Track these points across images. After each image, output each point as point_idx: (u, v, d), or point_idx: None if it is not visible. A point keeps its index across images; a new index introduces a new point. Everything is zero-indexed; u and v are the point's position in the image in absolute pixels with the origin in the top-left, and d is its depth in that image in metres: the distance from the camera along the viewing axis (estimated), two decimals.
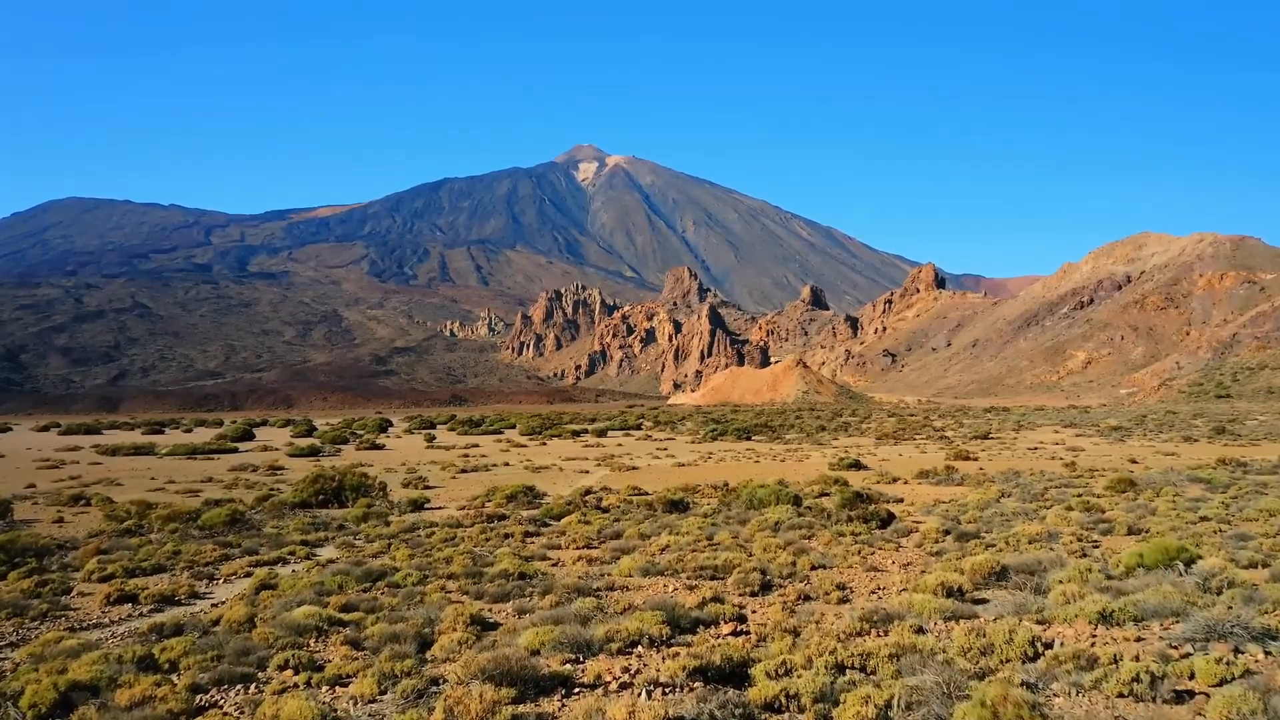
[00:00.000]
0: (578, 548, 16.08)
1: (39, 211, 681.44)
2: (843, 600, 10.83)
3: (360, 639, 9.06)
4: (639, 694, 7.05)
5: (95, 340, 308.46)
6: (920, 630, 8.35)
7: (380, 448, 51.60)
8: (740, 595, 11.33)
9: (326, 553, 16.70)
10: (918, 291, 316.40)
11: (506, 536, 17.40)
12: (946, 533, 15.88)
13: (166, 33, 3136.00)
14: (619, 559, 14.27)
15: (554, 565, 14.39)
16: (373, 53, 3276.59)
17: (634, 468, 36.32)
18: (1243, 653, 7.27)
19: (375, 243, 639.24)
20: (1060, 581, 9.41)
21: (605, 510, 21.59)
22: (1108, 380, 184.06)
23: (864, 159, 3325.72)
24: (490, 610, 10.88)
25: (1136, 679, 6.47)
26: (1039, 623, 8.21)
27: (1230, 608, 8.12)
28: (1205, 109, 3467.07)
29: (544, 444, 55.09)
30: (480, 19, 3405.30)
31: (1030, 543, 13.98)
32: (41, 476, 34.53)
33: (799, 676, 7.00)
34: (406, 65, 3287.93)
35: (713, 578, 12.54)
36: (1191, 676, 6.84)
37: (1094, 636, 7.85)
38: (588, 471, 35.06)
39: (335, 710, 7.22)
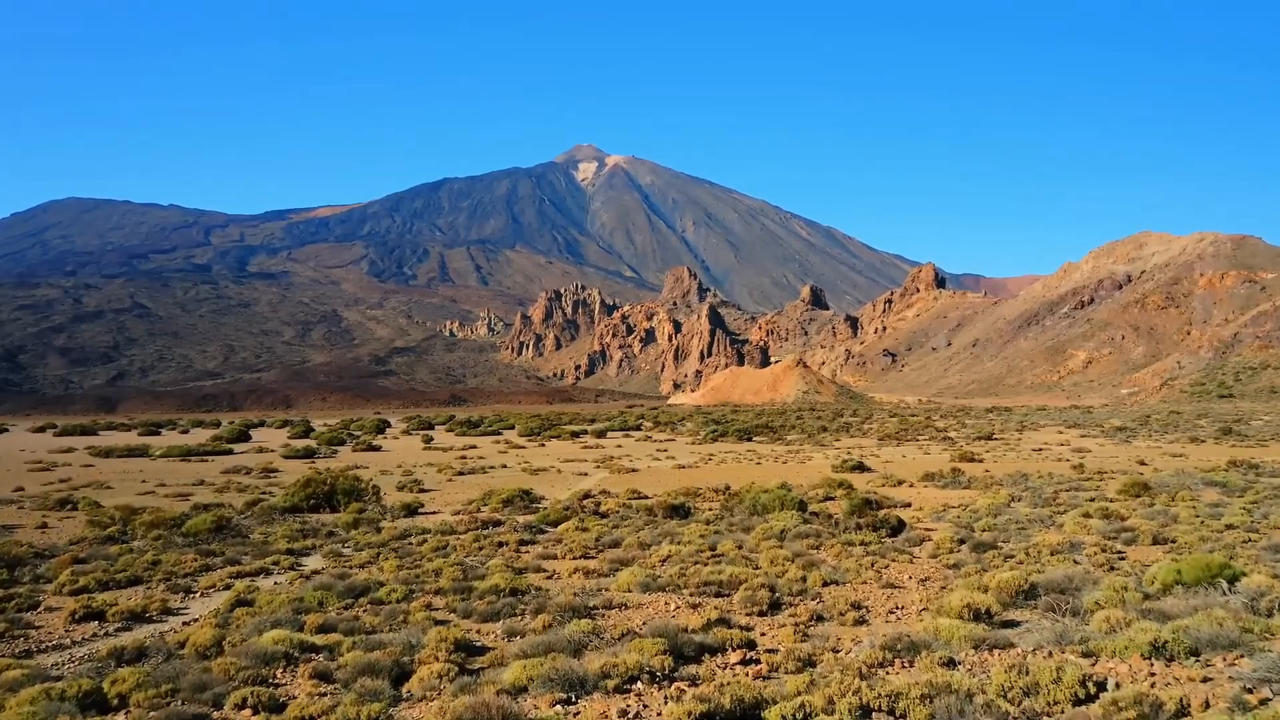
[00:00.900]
0: (574, 558, 15.35)
1: (38, 212, 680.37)
2: (859, 622, 10.09)
3: (331, 670, 8.29)
4: None
5: (94, 340, 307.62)
6: (951, 663, 7.57)
7: (377, 449, 50.94)
8: (748, 615, 10.58)
9: (312, 562, 16.00)
10: (918, 291, 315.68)
11: (500, 545, 16.68)
12: (961, 542, 15.14)
13: (166, 33, 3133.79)
14: (617, 571, 13.53)
15: (549, 578, 13.65)
16: (372, 53, 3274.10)
17: (633, 470, 35.63)
18: None
19: (375, 243, 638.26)
20: (1099, 604, 8.65)
21: (604, 516, 20.90)
22: (1108, 380, 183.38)
23: (864, 159, 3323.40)
24: (478, 632, 10.16)
25: None
26: (1085, 655, 7.36)
27: None
28: (1205, 108, 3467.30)
29: (543, 445, 54.41)
30: (480, 19, 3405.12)
31: (1052, 554, 13.25)
32: (31, 479, 33.94)
33: None
34: (406, 65, 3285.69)
35: (717, 594, 11.78)
36: None
37: (1151, 675, 7.01)
38: (586, 474, 34.38)
39: None
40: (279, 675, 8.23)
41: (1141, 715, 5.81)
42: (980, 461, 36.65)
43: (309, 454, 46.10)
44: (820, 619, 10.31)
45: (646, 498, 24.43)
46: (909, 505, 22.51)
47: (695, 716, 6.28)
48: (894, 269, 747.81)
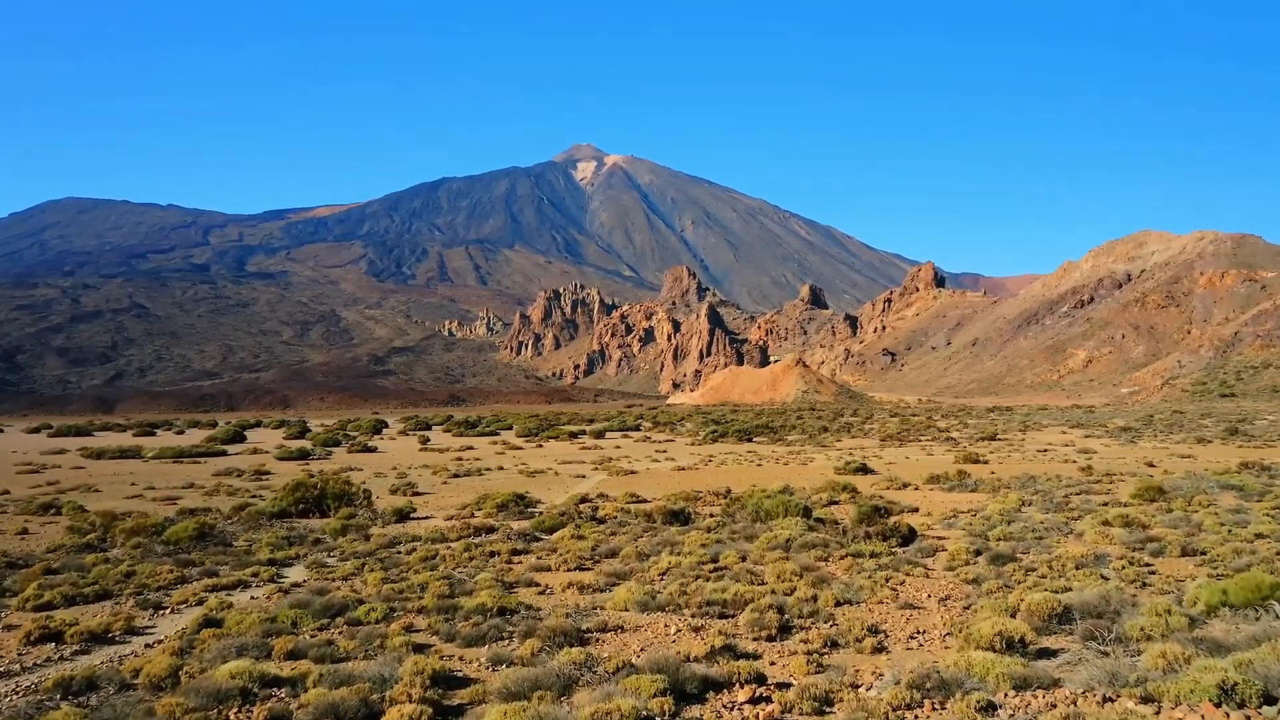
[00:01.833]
0: (569, 569, 14.56)
1: (37, 212, 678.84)
2: (878, 649, 9.28)
3: (291, 711, 7.45)
4: None
5: (92, 341, 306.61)
6: (990, 708, 6.64)
7: (372, 450, 50.23)
8: (755, 640, 9.78)
9: (295, 574, 15.24)
10: (917, 290, 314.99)
11: (492, 555, 15.90)
12: (978, 553, 14.32)
13: (165, 32, 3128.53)
14: (614, 586, 12.71)
15: (541, 593, 12.84)
16: (371, 52, 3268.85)
17: (632, 472, 34.89)
18: None
19: (373, 242, 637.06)
20: (1143, 632, 7.82)
21: (601, 521, 20.14)
22: (1109, 379, 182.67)
23: (863, 158, 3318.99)
24: (461, 659, 9.37)
25: None
26: (1144, 699, 6.40)
27: None
28: (1205, 108, 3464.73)
29: (540, 446, 53.65)
30: (479, 19, 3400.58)
31: (1077, 568, 12.46)
32: (19, 482, 33.34)
33: None
34: (405, 65, 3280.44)
35: (721, 615, 10.97)
36: None
37: None
38: (584, 476, 33.67)
39: None
40: (232, 717, 7.39)
41: None
42: (985, 463, 35.93)
43: (303, 455, 45.42)
44: (835, 645, 9.51)
45: (645, 502, 23.69)
46: (917, 510, 21.74)
47: None
48: (893, 268, 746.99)
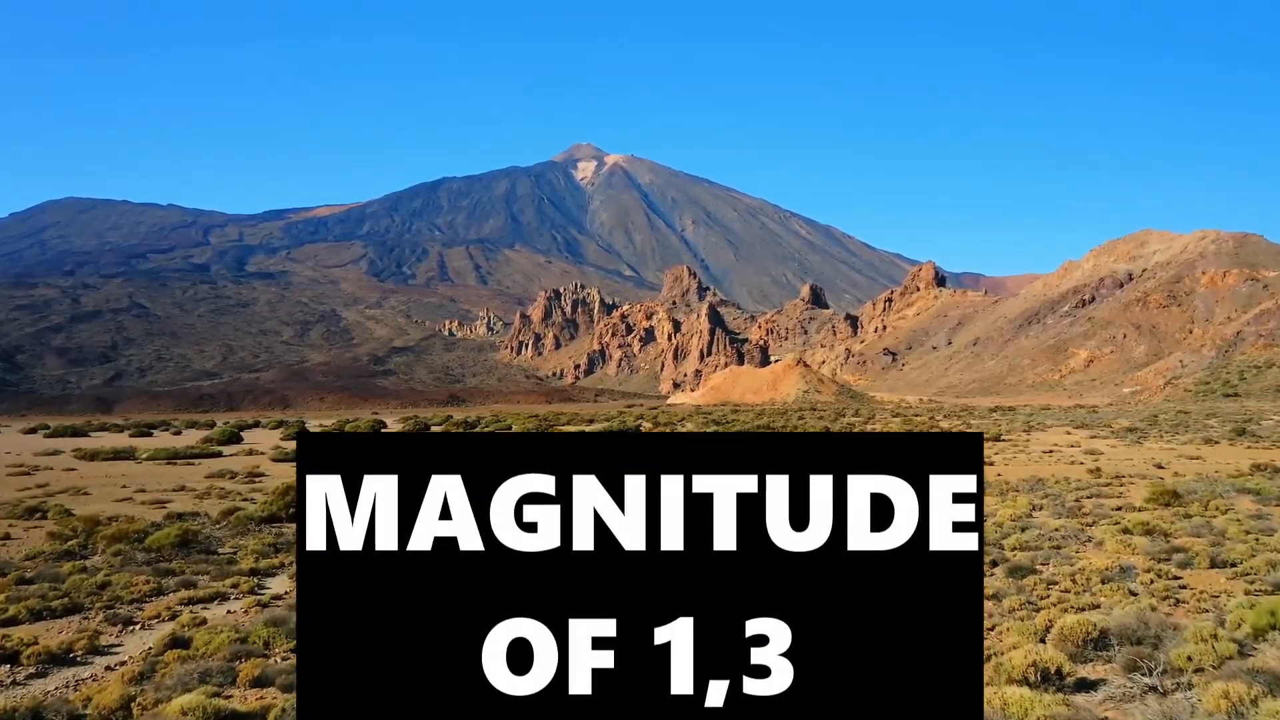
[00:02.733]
0: None
1: (36, 212, 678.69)
2: None
3: None
4: None
5: (92, 340, 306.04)
6: None
7: None
8: None
9: (277, 584, 14.58)
10: (918, 290, 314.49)
11: None
12: (994, 564, 13.62)
13: (165, 32, 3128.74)
14: None
15: None
16: (371, 52, 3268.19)
17: None
18: None
19: (374, 242, 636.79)
20: (1196, 666, 7.14)
21: None
22: (1110, 379, 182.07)
23: (863, 157, 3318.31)
24: None
25: None
26: None
27: None
28: (1206, 107, 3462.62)
29: None
30: (478, 18, 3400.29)
31: (1103, 582, 11.78)
32: (8, 484, 32.57)
33: None
34: (404, 65, 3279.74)
35: None
36: None
37: None
38: None
39: None
40: None
41: None
42: (991, 464, 35.22)
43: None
44: None
45: None
46: None
47: None
48: (894, 267, 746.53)
